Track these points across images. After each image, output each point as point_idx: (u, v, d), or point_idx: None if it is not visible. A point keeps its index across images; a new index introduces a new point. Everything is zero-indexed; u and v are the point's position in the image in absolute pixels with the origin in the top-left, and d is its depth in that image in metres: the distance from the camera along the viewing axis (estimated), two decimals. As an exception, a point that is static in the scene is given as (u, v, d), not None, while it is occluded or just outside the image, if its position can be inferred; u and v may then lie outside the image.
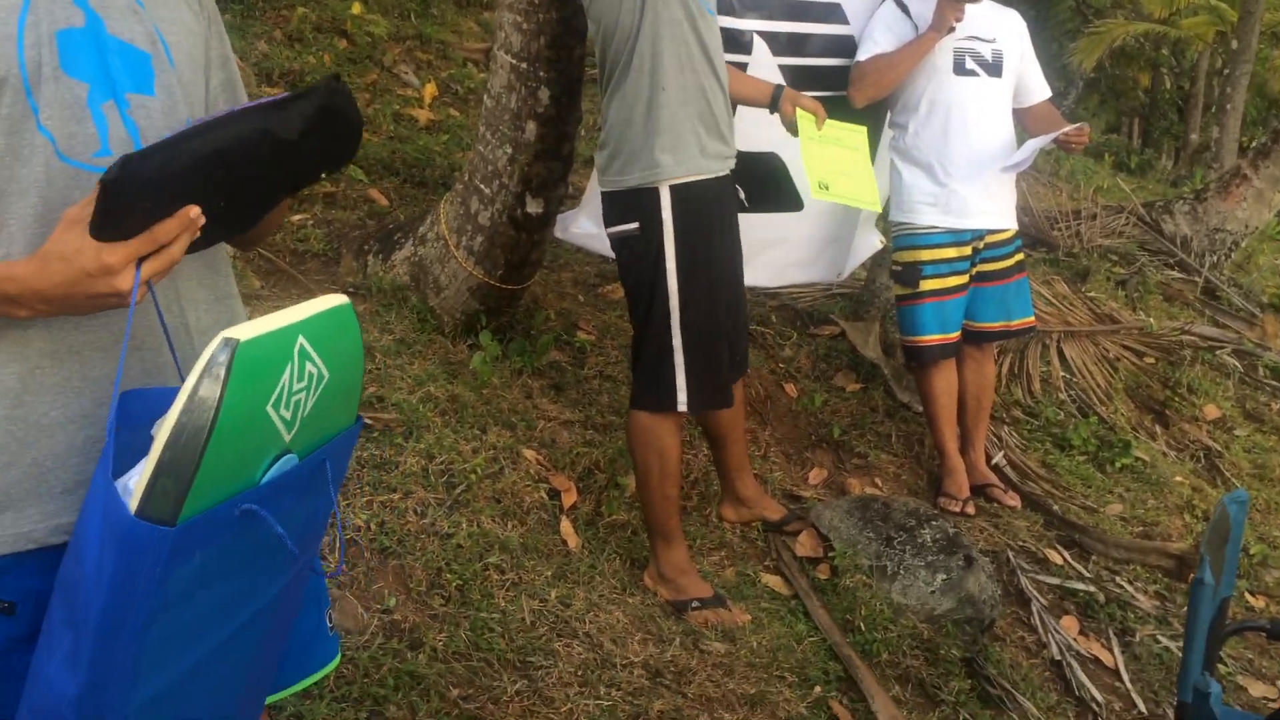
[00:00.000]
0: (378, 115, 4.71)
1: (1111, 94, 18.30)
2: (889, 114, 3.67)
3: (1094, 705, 2.94)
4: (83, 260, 1.06)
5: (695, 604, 2.78)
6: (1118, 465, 4.16)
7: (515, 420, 3.12)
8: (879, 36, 3.49)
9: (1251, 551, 3.85)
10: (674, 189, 2.59)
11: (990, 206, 3.54)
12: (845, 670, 2.75)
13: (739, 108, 2.94)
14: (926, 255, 3.55)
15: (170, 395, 1.01)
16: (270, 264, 3.51)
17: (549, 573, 2.66)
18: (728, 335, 2.75)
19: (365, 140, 4.18)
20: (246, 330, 1.01)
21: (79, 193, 1.13)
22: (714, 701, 2.48)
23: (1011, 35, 3.58)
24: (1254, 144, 7.62)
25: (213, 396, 0.98)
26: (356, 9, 5.45)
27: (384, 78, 5.17)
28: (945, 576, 2.98)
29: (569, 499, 2.96)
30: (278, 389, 1.07)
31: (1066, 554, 3.55)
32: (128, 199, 1.04)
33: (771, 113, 3.00)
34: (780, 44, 3.52)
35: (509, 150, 3.17)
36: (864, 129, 3.14)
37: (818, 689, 2.65)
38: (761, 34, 3.47)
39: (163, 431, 0.98)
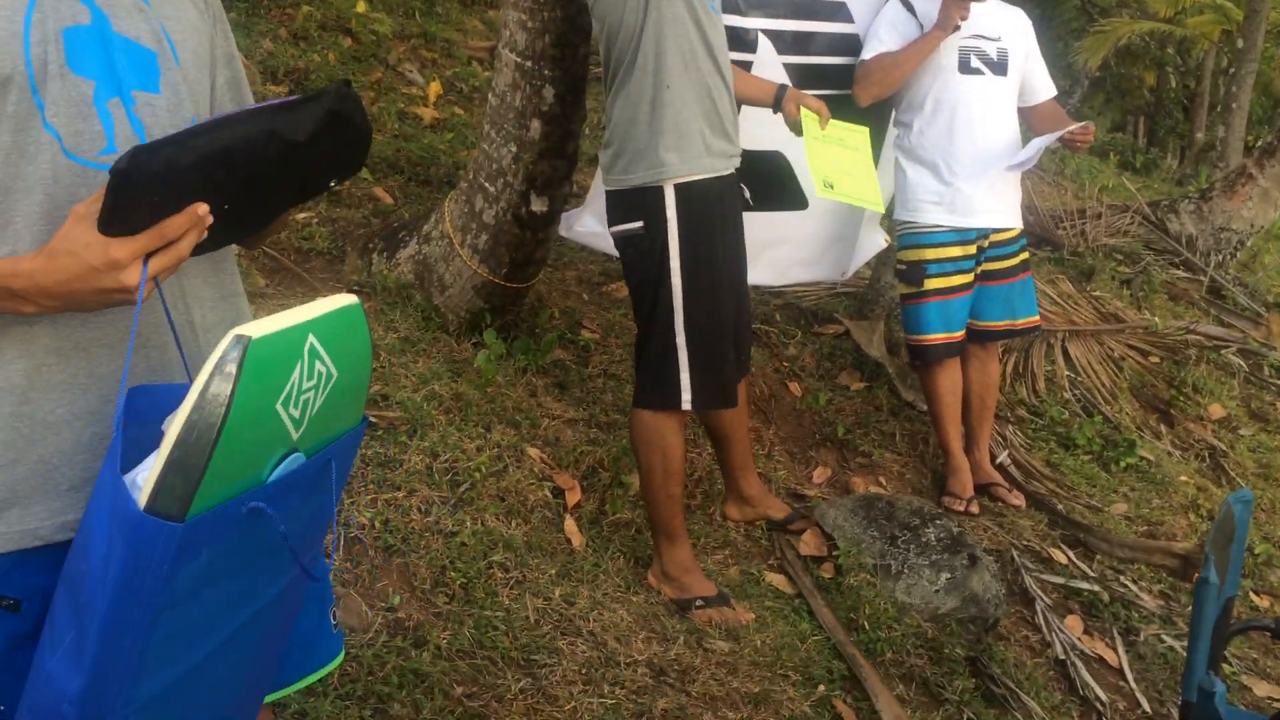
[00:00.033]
0: (382, 113, 4.71)
1: (1117, 93, 18.26)
2: (894, 112, 3.66)
3: (1098, 705, 2.94)
4: (90, 255, 1.06)
5: (699, 602, 2.78)
6: (1122, 464, 4.16)
7: (519, 418, 3.12)
8: (884, 35, 3.49)
9: (1256, 551, 3.84)
10: (678, 188, 2.59)
11: (995, 205, 3.54)
12: (849, 669, 2.75)
13: (743, 107, 2.94)
14: (931, 254, 3.54)
15: (176, 392, 1.01)
16: (275, 262, 3.52)
17: (553, 571, 2.66)
18: (732, 334, 2.75)
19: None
20: (258, 328, 1.01)
21: (85, 190, 1.13)
22: (718, 700, 2.48)
23: (1017, 34, 3.57)
24: (1260, 143, 7.62)
25: (224, 394, 0.98)
26: (361, 7, 5.45)
27: (389, 76, 5.18)
28: (949, 575, 2.98)
29: (573, 497, 2.96)
30: (287, 387, 1.07)
31: (1071, 553, 3.54)
32: (136, 191, 1.04)
33: (775, 113, 3.00)
34: (785, 42, 3.51)
35: (514, 148, 3.17)
36: (866, 129, 3.14)
37: (821, 688, 2.64)
38: (766, 32, 3.47)
39: (174, 428, 0.98)
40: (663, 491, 2.76)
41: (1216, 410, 4.74)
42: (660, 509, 2.78)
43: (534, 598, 2.55)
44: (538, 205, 3.22)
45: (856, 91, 3.51)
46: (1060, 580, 3.40)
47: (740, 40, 3.33)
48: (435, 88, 5.16)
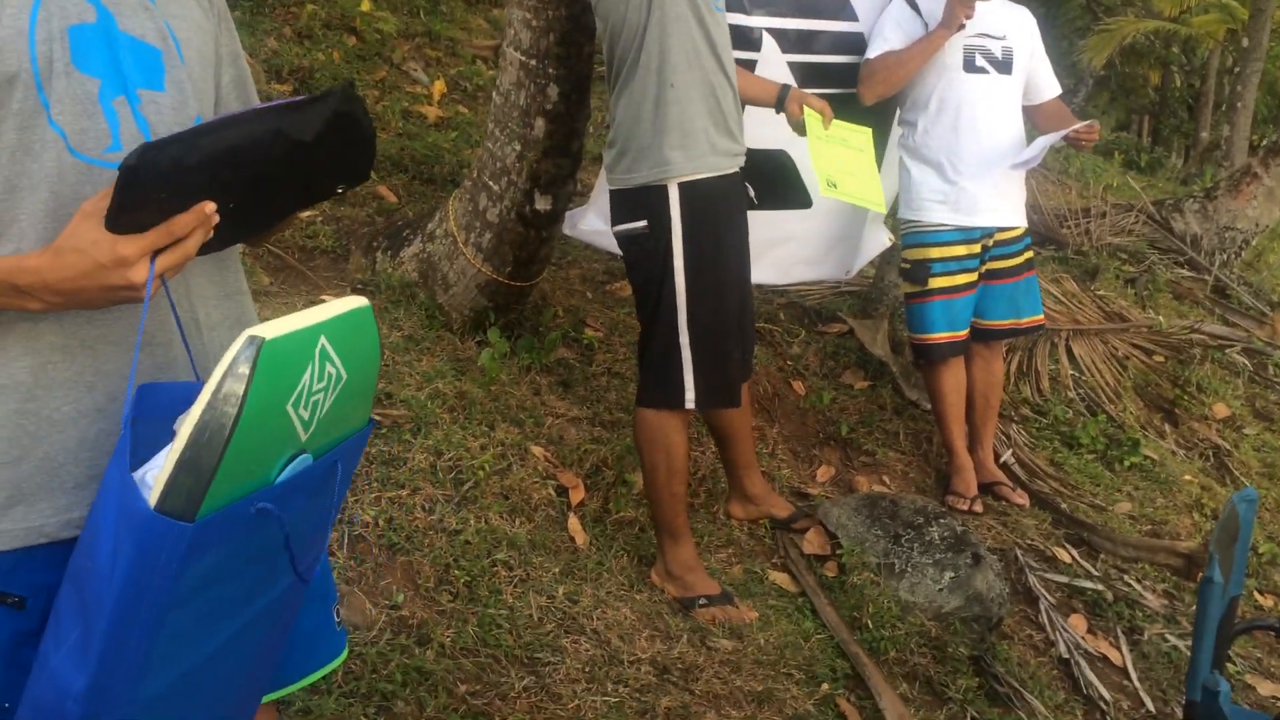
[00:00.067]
0: (387, 112, 4.71)
1: (1121, 92, 18.23)
2: (898, 111, 3.66)
3: (1102, 703, 2.94)
4: (98, 252, 1.06)
5: (703, 601, 2.78)
6: (1126, 464, 4.15)
7: (523, 417, 3.12)
8: (889, 33, 3.48)
9: (1260, 550, 3.84)
10: (682, 186, 2.59)
11: (1000, 204, 3.53)
12: (853, 668, 2.75)
13: (747, 106, 2.94)
14: (935, 253, 3.54)
15: (182, 390, 1.01)
16: (279, 260, 3.52)
17: (556, 569, 2.67)
18: (736, 333, 2.75)
19: (374, 137, 4.17)
20: (271, 329, 1.02)
21: (90, 188, 1.13)
22: (721, 698, 2.49)
23: (1022, 32, 3.57)
24: (1265, 142, 7.60)
25: (237, 394, 0.98)
26: (366, 6, 5.45)
27: (393, 75, 5.18)
28: (953, 574, 2.98)
29: (576, 496, 2.96)
30: (298, 388, 1.07)
31: (1075, 552, 3.54)
32: (144, 189, 1.04)
33: (778, 113, 3.00)
34: (789, 41, 3.51)
35: (518, 147, 3.17)
36: (869, 130, 3.14)
37: (825, 686, 2.64)
38: (770, 31, 3.46)
39: (185, 428, 0.98)
40: (666, 490, 2.76)
41: (1221, 409, 4.73)
42: (664, 507, 2.78)
43: (537, 596, 2.55)
44: (542, 204, 3.22)
45: (861, 90, 3.51)
46: (1064, 579, 3.40)
47: (744, 38, 3.33)
48: (440, 86, 5.16)
